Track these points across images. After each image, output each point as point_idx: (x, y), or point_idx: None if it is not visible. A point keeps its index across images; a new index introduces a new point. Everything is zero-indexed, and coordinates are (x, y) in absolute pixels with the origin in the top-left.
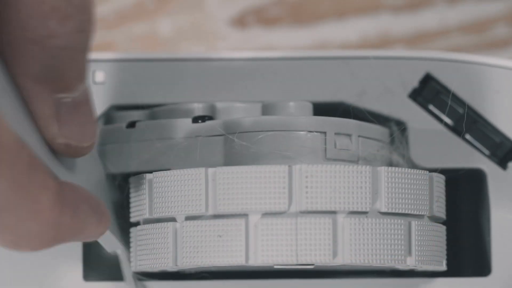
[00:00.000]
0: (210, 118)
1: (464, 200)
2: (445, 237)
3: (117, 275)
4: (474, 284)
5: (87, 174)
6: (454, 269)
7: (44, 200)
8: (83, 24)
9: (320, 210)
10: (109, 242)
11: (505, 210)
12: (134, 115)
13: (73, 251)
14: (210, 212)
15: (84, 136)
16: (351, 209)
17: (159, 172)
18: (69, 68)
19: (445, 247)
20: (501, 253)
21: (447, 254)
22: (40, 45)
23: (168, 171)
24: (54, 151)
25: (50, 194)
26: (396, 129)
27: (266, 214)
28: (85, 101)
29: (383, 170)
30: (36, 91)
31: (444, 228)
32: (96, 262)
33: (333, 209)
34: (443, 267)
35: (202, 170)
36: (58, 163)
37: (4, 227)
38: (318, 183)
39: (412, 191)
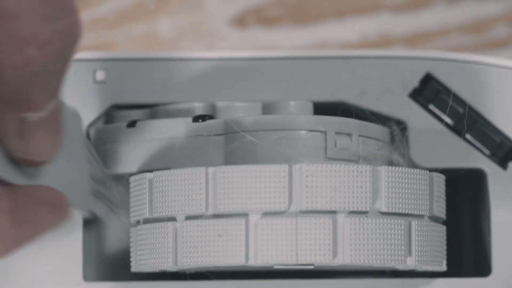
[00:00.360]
0: (211, 117)
1: (464, 200)
2: (445, 237)
3: (117, 275)
4: (474, 285)
5: (61, 174)
6: (454, 270)
7: None
8: (63, 51)
9: (320, 210)
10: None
11: (505, 210)
12: (135, 114)
13: (73, 251)
14: (210, 211)
15: (44, 153)
16: (351, 209)
17: (159, 171)
18: (40, 91)
19: (445, 247)
20: (501, 254)
21: (447, 255)
22: (14, 71)
23: (168, 171)
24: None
25: (4, 216)
26: (396, 128)
27: (266, 214)
28: (53, 119)
29: (383, 169)
30: (0, 110)
31: (444, 228)
32: (96, 262)
33: (333, 208)
34: (443, 267)
35: (202, 169)
36: (16, 169)
37: None
38: (318, 183)
39: (412, 191)
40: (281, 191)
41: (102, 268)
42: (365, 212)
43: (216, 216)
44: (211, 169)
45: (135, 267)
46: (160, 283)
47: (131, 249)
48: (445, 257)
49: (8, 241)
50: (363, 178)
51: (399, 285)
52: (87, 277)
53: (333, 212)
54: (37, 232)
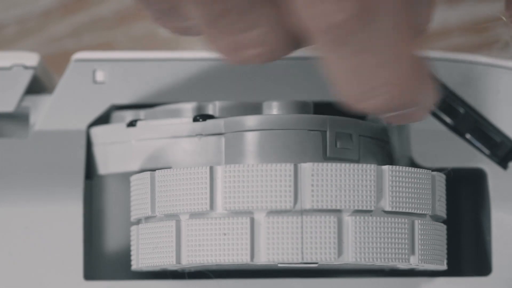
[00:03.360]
0: (211, 117)
1: (465, 199)
2: (445, 236)
3: (117, 274)
4: (474, 284)
5: None
6: (455, 269)
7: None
8: None
9: (326, 209)
10: None
11: (505, 210)
12: (135, 114)
13: (73, 250)
14: (215, 210)
15: None
16: (356, 208)
17: (162, 170)
18: None
19: (445, 246)
20: (502, 253)
21: (448, 254)
22: None
23: (172, 169)
24: None
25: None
26: (397, 128)
27: (271, 212)
28: None
29: (387, 168)
30: None
31: (444, 227)
32: (97, 261)
33: (338, 207)
34: (444, 266)
35: (207, 168)
36: None
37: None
38: (324, 182)
39: (415, 190)
40: (286, 190)
41: (103, 267)
42: (369, 211)
43: (221, 214)
44: (215, 168)
45: (136, 266)
46: (160, 282)
47: (132, 248)
48: (445, 256)
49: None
50: (368, 177)
51: (400, 284)
52: (87, 276)
53: (338, 211)
54: None
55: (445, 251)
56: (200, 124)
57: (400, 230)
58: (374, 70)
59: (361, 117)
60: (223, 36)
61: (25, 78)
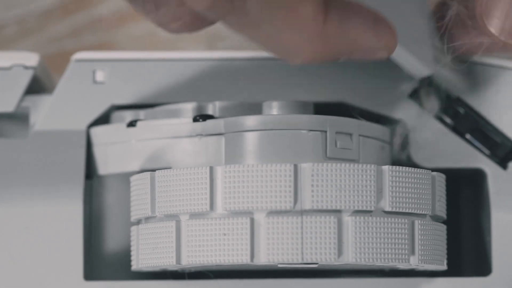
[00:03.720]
0: (211, 117)
1: (465, 200)
2: (445, 237)
3: (117, 275)
4: (474, 284)
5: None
6: (455, 269)
7: (304, 11)
8: None
9: (326, 209)
10: (411, 64)
11: (505, 210)
12: (135, 114)
13: (73, 251)
14: (215, 210)
15: None
16: (356, 208)
17: (162, 170)
18: None
19: (445, 246)
20: (502, 253)
21: (448, 254)
22: None
23: (172, 170)
24: None
25: (310, 4)
26: (397, 128)
27: (271, 213)
28: None
29: (387, 169)
30: None
31: (444, 227)
32: (97, 261)
33: (338, 207)
34: (444, 266)
35: (207, 169)
36: None
37: (267, 38)
38: (324, 182)
39: (415, 190)
40: (286, 190)
41: (103, 267)
42: (369, 211)
43: (221, 214)
44: (215, 168)
45: (136, 266)
46: (160, 282)
47: (132, 248)
48: (445, 256)
49: (315, 33)
50: (368, 177)
51: (400, 284)
52: (87, 277)
53: (338, 211)
54: (351, 41)
55: (445, 251)
56: (200, 124)
57: (400, 230)
58: (275, 37)
59: (361, 117)
60: (146, 14)
61: (25, 78)
